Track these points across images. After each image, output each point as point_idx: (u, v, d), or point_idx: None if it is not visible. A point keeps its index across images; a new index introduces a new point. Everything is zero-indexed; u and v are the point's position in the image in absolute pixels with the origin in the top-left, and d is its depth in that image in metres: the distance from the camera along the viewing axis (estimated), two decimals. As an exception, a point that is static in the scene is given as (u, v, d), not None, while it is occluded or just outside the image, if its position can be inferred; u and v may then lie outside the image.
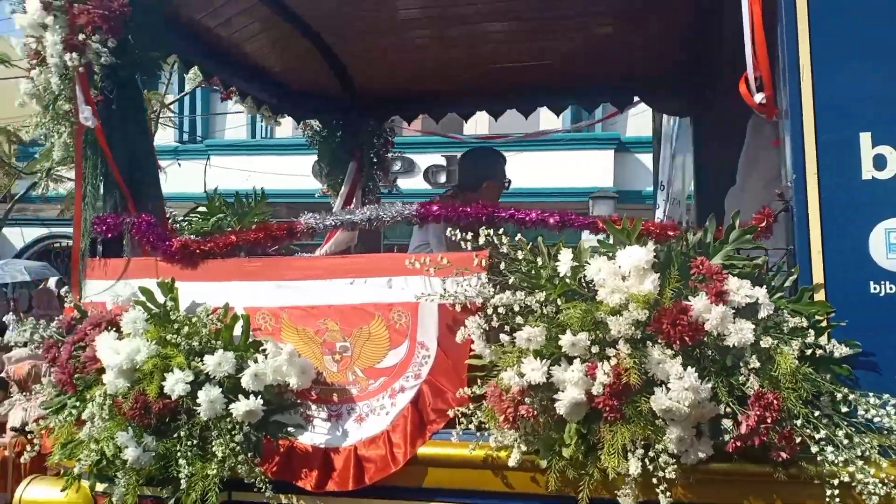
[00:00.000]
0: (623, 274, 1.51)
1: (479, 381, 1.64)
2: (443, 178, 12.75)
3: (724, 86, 3.05)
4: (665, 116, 6.06)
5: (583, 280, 1.60)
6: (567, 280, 1.59)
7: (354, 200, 3.57)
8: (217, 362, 1.72)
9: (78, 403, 1.83)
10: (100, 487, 1.86)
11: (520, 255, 1.64)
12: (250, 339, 1.82)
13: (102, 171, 2.01)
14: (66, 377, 1.80)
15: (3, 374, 5.66)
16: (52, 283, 10.63)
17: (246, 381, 1.70)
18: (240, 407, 1.68)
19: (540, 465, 1.60)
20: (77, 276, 2.02)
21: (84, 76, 1.93)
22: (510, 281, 1.62)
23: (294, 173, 13.17)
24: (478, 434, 1.65)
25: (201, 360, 1.75)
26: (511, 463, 1.58)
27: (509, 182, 3.16)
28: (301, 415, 1.82)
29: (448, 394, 1.74)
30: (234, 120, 14.52)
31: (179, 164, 13.09)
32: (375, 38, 3.23)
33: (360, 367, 1.81)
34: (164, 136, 13.16)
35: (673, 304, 1.46)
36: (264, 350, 1.78)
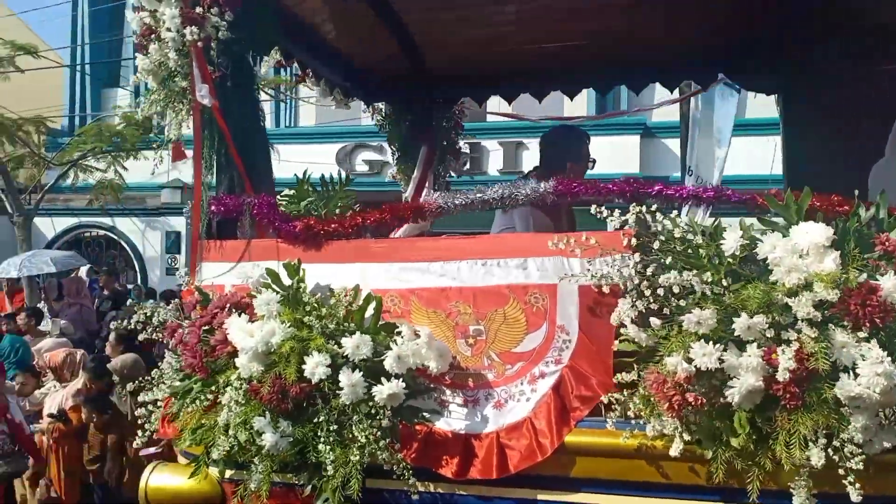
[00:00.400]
0: (800, 252, 1.43)
1: (636, 366, 1.58)
2: (466, 166, 12.57)
3: (818, 60, 2.95)
4: (692, 101, 5.92)
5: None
6: (730, 260, 1.51)
7: (427, 186, 3.50)
8: (355, 345, 1.67)
9: (206, 388, 1.79)
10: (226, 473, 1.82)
11: (677, 233, 1.56)
12: (381, 322, 1.77)
13: (218, 151, 1.95)
14: (197, 361, 1.75)
15: (35, 363, 5.69)
16: (83, 271, 10.67)
17: (389, 363, 1.64)
18: (383, 390, 1.63)
19: (698, 454, 1.53)
20: (195, 259, 1.97)
21: (200, 51, 1.87)
22: (667, 261, 1.55)
23: (318, 162, 13.22)
24: (632, 422, 1.59)
25: (335, 343, 1.70)
26: (673, 453, 1.51)
27: (593, 162, 3.07)
28: (435, 400, 1.76)
29: (592, 380, 1.67)
30: (259, 109, 14.46)
31: (207, 154, 13.18)
32: (447, 14, 3.14)
33: (495, 352, 1.75)
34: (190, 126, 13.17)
35: (862, 283, 1.38)
36: (399, 333, 1.72)
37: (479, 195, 1.83)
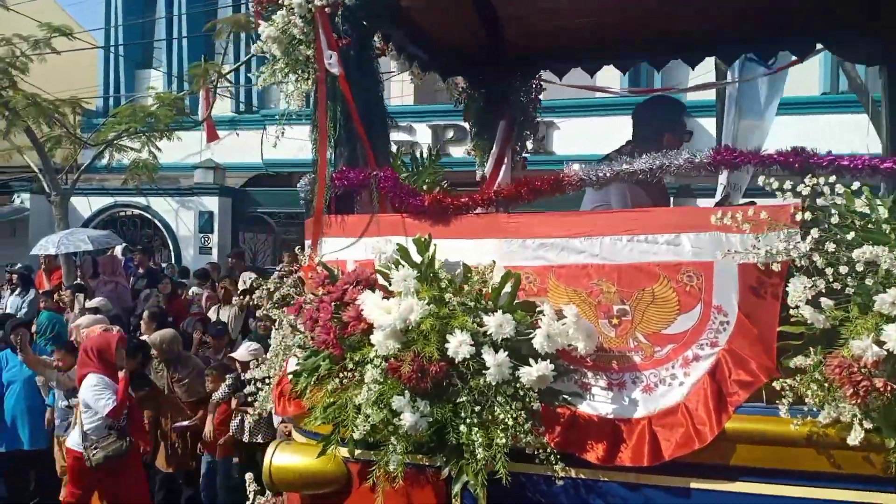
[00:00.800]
0: None
1: (811, 349, 1.48)
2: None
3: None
4: (730, 79, 5.67)
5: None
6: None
7: (505, 162, 3.40)
8: (498, 323, 1.60)
9: (334, 365, 1.73)
10: (345, 452, 1.77)
11: (858, 205, 1.45)
12: (517, 300, 1.69)
13: (339, 123, 1.87)
14: (330, 338, 1.69)
15: (73, 339, 5.74)
16: (118, 250, 10.77)
17: (539, 342, 1.57)
18: (532, 372, 1.56)
19: (875, 443, 1.44)
20: (317, 233, 1.90)
21: (327, 18, 1.78)
22: (848, 236, 1.44)
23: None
24: (802, 408, 1.49)
25: (474, 321, 1.63)
26: (852, 441, 1.41)
27: (690, 134, 2.94)
28: (576, 382, 1.69)
29: (752, 363, 1.58)
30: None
31: (238, 135, 13.17)
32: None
33: (642, 333, 1.66)
34: (222, 107, 13.18)
35: None
36: (540, 311, 1.65)
37: (625, 166, 1.73)
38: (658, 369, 1.64)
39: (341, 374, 1.68)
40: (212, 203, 12.77)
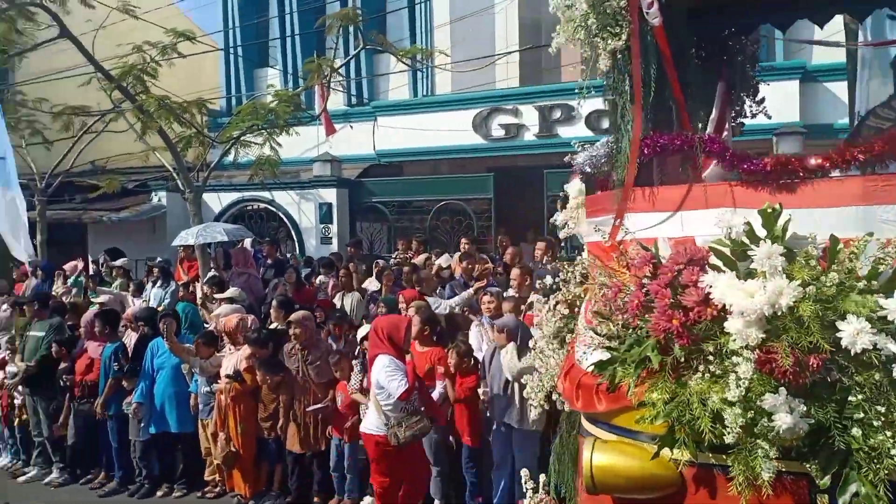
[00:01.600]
0: None
1: None
2: (606, 124, 11.81)
3: None
4: (861, 38, 4.85)
5: None
6: None
7: (727, 128, 3.06)
8: (903, 307, 1.32)
9: (664, 355, 1.53)
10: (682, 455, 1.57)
11: None
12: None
13: (653, 81, 1.65)
14: (675, 326, 1.49)
15: (214, 328, 5.94)
16: (247, 243, 11.27)
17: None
18: (966, 366, 1.28)
19: None
20: (624, 209, 1.71)
21: (644, -38, 1.56)
22: None
23: (456, 128, 13.03)
24: None
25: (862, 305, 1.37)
26: None
27: None
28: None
29: None
30: (397, 80, 14.54)
31: (352, 127, 13.45)
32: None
33: None
34: (335, 101, 13.49)
35: None
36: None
37: None
38: None
39: (702, 368, 1.47)
40: (330, 195, 13.16)
